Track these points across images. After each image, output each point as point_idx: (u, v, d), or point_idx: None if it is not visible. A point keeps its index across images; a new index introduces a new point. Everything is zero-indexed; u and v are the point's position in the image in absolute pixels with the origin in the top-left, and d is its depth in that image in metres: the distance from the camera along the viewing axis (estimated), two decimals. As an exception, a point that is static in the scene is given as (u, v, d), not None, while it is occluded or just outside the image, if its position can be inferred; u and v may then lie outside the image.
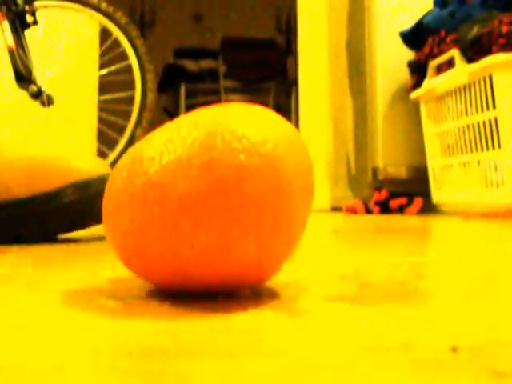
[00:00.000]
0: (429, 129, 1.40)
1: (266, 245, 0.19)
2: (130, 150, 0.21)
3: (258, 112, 0.21)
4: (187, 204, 0.19)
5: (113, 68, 1.44)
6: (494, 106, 1.11)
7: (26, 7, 1.19)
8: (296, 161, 0.20)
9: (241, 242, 0.19)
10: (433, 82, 1.31)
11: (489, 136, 1.14)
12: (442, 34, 1.28)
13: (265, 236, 0.19)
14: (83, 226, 0.51)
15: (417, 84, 1.43)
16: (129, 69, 1.32)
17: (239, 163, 0.19)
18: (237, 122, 0.20)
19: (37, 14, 1.22)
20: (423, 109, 1.42)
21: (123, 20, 1.29)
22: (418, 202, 1.39)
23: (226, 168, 0.19)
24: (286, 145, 0.20)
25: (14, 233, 0.49)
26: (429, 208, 1.47)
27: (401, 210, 1.43)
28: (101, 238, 0.54)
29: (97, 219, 0.51)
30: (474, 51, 1.16)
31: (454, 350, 0.14)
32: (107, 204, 0.21)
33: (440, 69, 1.31)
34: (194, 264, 0.19)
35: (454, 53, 1.20)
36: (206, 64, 3.35)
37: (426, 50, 1.34)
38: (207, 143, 0.19)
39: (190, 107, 3.14)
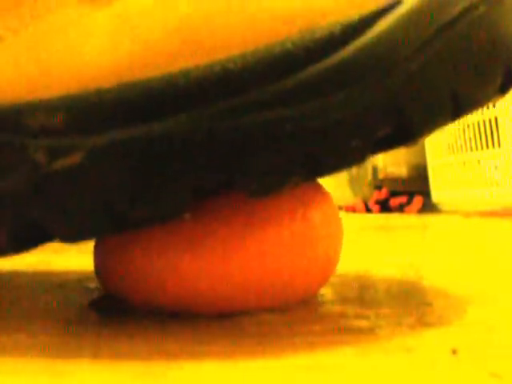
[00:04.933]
0: (429, 128, 1.40)
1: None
2: None
3: None
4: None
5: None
6: (494, 105, 1.11)
7: None
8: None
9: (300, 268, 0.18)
10: (433, 81, 1.31)
11: (489, 135, 1.14)
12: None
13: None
14: None
15: (417, 83, 1.43)
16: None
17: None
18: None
19: None
20: (423, 107, 1.42)
21: None
22: (418, 200, 1.39)
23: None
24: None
25: None
26: (429, 207, 1.47)
27: (401, 208, 1.43)
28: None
29: None
30: (474, 50, 1.16)
31: (454, 352, 0.14)
32: None
33: (440, 67, 1.31)
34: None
35: (454, 51, 1.20)
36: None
37: (426, 48, 1.34)
38: None
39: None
